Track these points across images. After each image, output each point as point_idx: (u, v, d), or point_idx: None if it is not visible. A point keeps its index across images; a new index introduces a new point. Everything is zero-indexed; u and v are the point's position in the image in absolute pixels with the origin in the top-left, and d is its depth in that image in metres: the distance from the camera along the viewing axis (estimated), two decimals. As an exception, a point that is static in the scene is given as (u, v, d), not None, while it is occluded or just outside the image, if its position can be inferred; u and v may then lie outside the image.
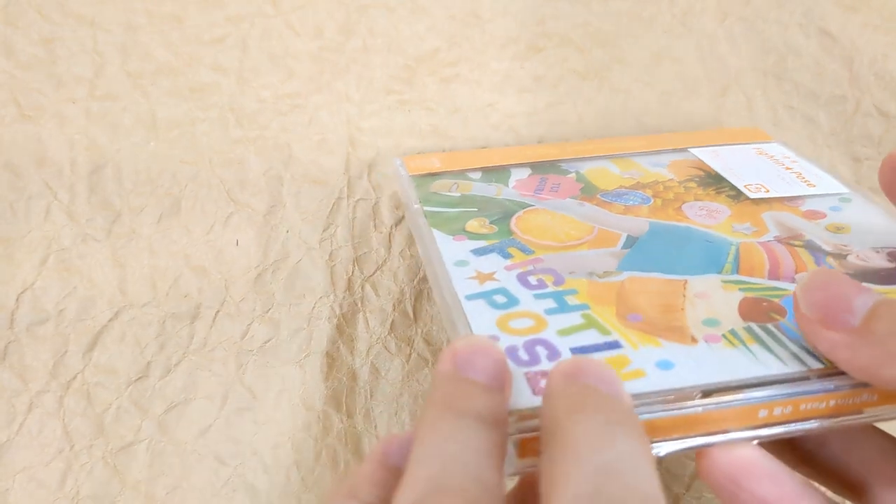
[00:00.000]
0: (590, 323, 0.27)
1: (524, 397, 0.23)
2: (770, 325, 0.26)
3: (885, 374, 0.22)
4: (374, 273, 0.37)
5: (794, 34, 0.45)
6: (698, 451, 0.24)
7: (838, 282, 0.24)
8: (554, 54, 0.43)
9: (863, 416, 0.25)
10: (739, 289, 0.28)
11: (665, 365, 0.25)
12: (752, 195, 0.36)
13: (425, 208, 0.35)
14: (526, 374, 0.24)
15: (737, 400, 0.24)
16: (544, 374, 0.24)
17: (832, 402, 0.24)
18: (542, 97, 0.42)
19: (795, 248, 0.31)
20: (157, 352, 0.36)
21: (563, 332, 0.26)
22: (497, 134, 0.42)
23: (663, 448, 0.24)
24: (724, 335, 0.26)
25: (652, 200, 0.35)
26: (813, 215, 0.34)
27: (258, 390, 0.36)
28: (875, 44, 0.44)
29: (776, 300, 0.28)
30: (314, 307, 0.37)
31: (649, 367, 0.24)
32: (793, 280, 0.29)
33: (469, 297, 0.28)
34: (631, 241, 0.32)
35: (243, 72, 0.39)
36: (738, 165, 0.38)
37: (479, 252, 0.31)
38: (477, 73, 0.42)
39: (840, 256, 0.31)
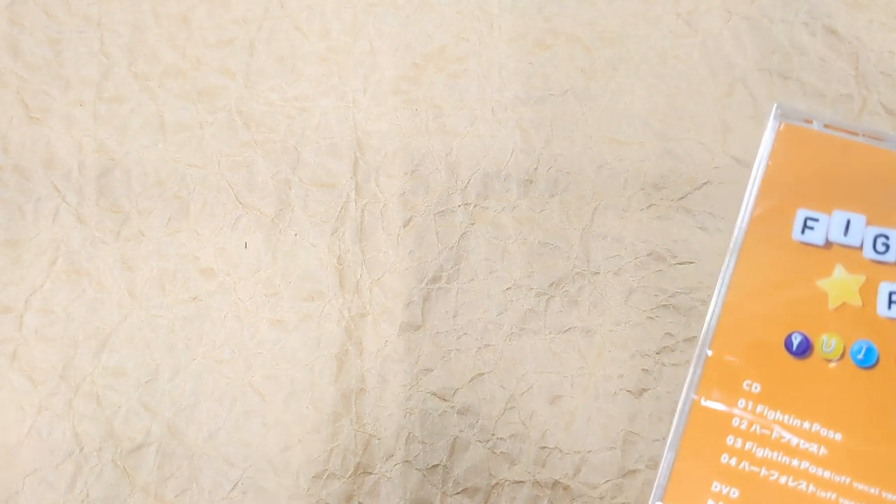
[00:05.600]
0: None
1: None
2: None
3: None
4: (382, 276, 0.37)
5: (800, 32, 0.45)
6: None
7: None
8: (561, 52, 0.42)
9: None
10: None
11: None
12: None
13: None
14: None
15: None
16: None
17: None
18: (548, 95, 0.42)
19: None
20: (166, 354, 0.36)
21: None
22: (504, 131, 0.42)
23: None
24: None
25: None
26: None
27: (267, 392, 0.36)
28: (881, 41, 0.44)
29: None
30: (323, 310, 0.37)
31: None
32: None
33: None
34: None
35: (251, 74, 0.39)
36: None
37: None
38: (485, 68, 0.42)
39: None
